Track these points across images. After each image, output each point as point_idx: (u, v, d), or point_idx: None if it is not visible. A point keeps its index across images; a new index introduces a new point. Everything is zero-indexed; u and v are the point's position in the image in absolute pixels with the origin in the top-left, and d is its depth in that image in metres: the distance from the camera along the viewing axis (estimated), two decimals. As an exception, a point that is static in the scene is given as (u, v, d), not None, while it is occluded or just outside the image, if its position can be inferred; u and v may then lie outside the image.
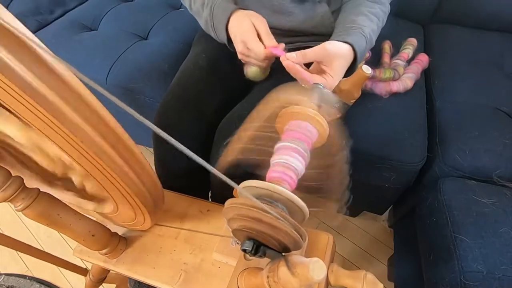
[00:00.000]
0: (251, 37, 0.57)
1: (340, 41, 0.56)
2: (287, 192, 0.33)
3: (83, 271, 0.72)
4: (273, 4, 0.67)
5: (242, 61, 0.64)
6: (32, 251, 0.59)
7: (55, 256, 0.64)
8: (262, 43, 0.57)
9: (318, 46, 0.54)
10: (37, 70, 0.26)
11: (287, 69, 0.54)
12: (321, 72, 0.56)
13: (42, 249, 0.61)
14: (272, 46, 0.56)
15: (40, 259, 0.61)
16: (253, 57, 0.59)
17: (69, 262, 0.68)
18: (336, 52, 0.54)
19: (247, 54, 0.59)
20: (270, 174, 0.38)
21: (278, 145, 0.40)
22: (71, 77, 0.29)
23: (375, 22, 0.63)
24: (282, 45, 0.58)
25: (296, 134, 0.39)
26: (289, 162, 0.37)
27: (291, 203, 0.34)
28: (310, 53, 0.53)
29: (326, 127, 0.40)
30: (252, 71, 0.66)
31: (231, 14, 0.60)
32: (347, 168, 0.41)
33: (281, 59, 0.53)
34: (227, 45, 0.66)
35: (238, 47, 0.59)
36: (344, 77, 0.58)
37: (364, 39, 0.59)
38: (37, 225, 0.59)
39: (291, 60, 0.52)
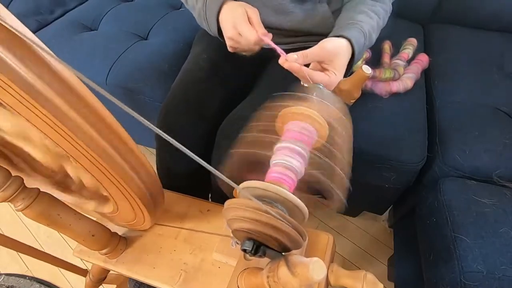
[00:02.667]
0: (243, 22, 0.56)
1: (337, 36, 0.56)
2: (286, 193, 0.33)
3: (83, 272, 0.72)
4: (273, 3, 0.67)
5: (230, 50, 0.63)
6: (32, 252, 0.59)
7: (54, 257, 0.64)
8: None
9: (317, 46, 0.53)
10: (37, 70, 0.26)
11: (289, 69, 0.53)
12: (321, 69, 0.56)
13: (42, 249, 0.61)
14: (263, 33, 0.56)
15: (40, 259, 0.61)
16: (243, 43, 0.58)
17: (69, 263, 0.68)
18: (335, 49, 0.54)
19: (237, 39, 0.58)
20: (269, 174, 0.38)
21: (277, 145, 0.40)
22: (71, 78, 0.29)
23: (375, 20, 0.62)
24: (270, 35, 0.58)
25: (296, 134, 0.39)
26: (288, 162, 0.37)
27: (291, 204, 0.34)
28: (311, 54, 0.53)
29: (326, 128, 0.40)
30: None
31: (222, 4, 0.60)
32: (348, 168, 0.41)
33: (280, 61, 0.53)
34: (218, 37, 0.65)
35: (228, 32, 0.58)
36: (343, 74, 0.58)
37: (363, 35, 0.58)
38: (37, 225, 0.59)
39: (293, 61, 0.52)
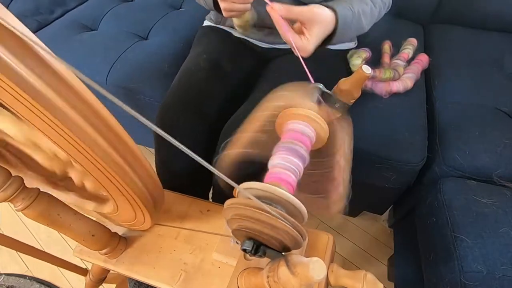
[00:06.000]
0: None
1: (326, 6, 0.56)
2: (286, 194, 0.33)
3: (83, 271, 0.72)
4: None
5: (225, 15, 0.63)
6: (32, 251, 0.59)
7: (55, 256, 0.64)
8: None
9: (306, 6, 0.53)
10: (40, 71, 0.26)
11: (272, 18, 0.53)
12: (300, 32, 0.55)
13: (42, 249, 0.61)
14: None
15: (40, 259, 0.61)
16: (236, 4, 0.57)
17: (69, 262, 0.68)
18: (321, 17, 0.54)
19: (230, 1, 0.57)
20: (269, 175, 0.38)
21: (277, 146, 0.40)
22: (71, 78, 0.29)
23: (369, 6, 0.62)
24: None
25: (296, 135, 0.39)
26: (288, 163, 0.37)
27: (290, 205, 0.34)
28: (296, 10, 0.52)
29: (325, 128, 0.40)
30: (238, 20, 0.65)
31: None
32: (348, 168, 0.41)
33: (267, 7, 0.53)
34: (215, 9, 0.66)
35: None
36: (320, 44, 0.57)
37: (351, 13, 0.58)
38: (37, 225, 0.59)
39: (276, 10, 0.52)
